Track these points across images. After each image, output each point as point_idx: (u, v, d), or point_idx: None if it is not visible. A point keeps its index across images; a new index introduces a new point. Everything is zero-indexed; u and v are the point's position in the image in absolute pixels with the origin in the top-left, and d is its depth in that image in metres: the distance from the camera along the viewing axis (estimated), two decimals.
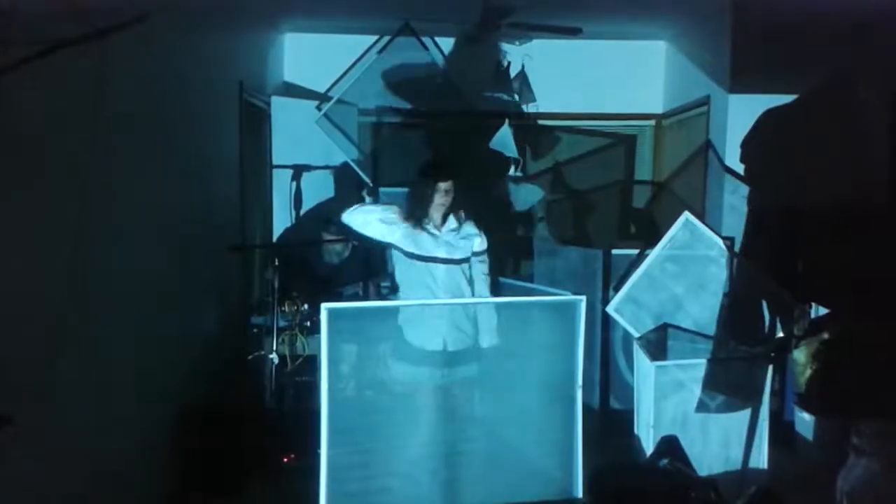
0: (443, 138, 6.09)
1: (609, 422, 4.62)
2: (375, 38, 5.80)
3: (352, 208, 4.00)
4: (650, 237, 4.76)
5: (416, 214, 3.84)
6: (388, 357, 3.55)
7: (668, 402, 3.89)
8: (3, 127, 2.15)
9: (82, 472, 2.88)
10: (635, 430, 4.08)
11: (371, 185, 6.13)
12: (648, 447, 3.80)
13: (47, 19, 2.05)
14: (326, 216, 5.27)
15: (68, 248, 2.55)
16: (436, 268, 3.83)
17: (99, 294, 2.96)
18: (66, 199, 2.61)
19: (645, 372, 3.96)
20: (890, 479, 2.47)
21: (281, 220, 5.78)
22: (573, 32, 5.09)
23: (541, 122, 6.34)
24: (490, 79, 5.83)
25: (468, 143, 5.76)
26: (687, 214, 4.27)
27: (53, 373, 2.45)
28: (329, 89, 5.92)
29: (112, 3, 2.33)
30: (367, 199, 6.25)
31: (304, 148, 5.71)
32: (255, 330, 4.62)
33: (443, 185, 3.81)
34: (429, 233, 3.84)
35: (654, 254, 4.24)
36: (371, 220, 3.88)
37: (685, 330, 4.27)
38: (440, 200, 3.82)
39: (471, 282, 3.91)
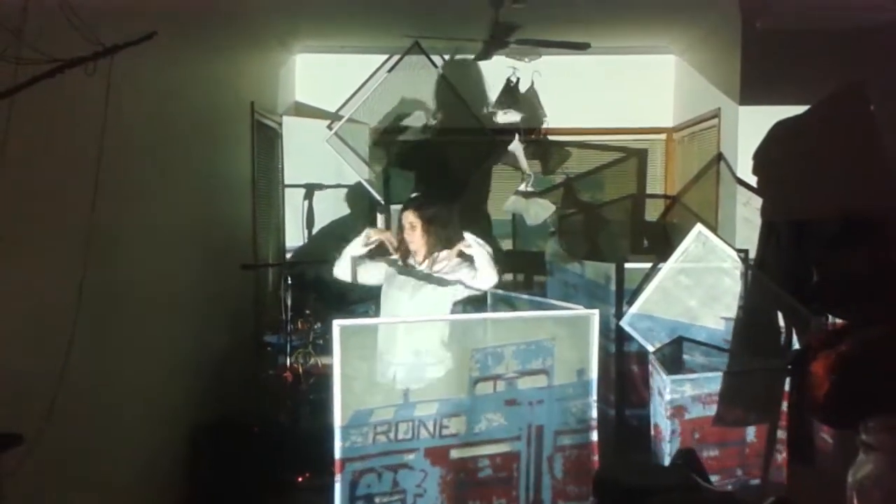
0: (453, 155, 6.13)
1: (625, 437, 4.57)
2: (385, 56, 5.85)
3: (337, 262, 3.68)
4: (663, 250, 4.73)
5: (400, 248, 3.66)
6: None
7: (684, 416, 3.85)
8: (15, 143, 2.17)
9: (93, 490, 2.88)
10: (651, 445, 4.04)
11: (382, 202, 6.15)
12: (665, 462, 3.76)
13: (57, 37, 2.08)
14: (339, 234, 5.29)
15: (80, 266, 2.56)
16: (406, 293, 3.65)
17: (111, 313, 2.98)
18: (76, 217, 2.63)
19: (660, 386, 3.92)
20: None
21: (293, 239, 5.80)
22: (581, 48, 5.10)
23: (551, 137, 6.35)
24: (500, 95, 5.85)
25: (478, 159, 5.78)
26: (699, 227, 4.24)
27: (64, 391, 2.45)
28: (340, 108, 5.97)
29: (123, 22, 2.35)
30: (379, 216, 6.29)
31: (315, 167, 5.75)
32: (268, 348, 4.62)
33: (408, 218, 3.61)
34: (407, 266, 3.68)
35: (667, 267, 4.22)
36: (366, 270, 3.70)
37: (700, 343, 4.24)
38: (405, 236, 3.63)
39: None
